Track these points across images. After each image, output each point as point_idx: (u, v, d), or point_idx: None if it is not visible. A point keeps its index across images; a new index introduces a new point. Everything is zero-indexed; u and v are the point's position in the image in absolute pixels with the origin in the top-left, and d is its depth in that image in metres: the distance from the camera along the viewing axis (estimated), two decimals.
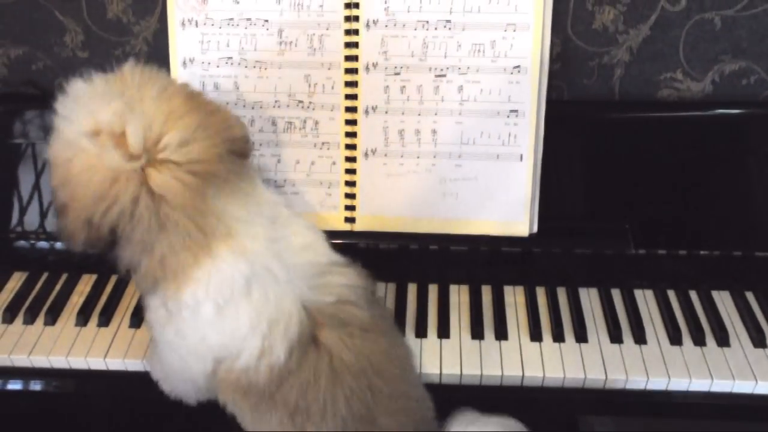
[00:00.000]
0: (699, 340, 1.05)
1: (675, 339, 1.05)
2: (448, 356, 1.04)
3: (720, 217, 1.11)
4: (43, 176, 1.19)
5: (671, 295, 1.12)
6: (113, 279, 1.19)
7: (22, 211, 1.20)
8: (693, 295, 1.12)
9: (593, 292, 1.13)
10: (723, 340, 1.04)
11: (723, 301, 1.11)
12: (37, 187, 1.19)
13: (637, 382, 1.00)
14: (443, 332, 1.07)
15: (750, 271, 1.11)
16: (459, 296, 1.14)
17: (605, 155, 1.12)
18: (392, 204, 1.12)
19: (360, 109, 1.10)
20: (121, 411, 1.19)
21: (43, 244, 1.21)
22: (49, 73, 1.21)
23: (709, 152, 1.11)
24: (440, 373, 1.02)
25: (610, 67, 1.13)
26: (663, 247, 1.10)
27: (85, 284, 1.19)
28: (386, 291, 1.15)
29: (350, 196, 1.12)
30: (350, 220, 1.13)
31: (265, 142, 1.12)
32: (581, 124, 1.12)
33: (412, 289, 1.15)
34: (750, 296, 1.12)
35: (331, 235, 1.12)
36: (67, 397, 1.12)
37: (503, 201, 1.10)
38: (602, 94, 1.15)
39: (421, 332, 1.08)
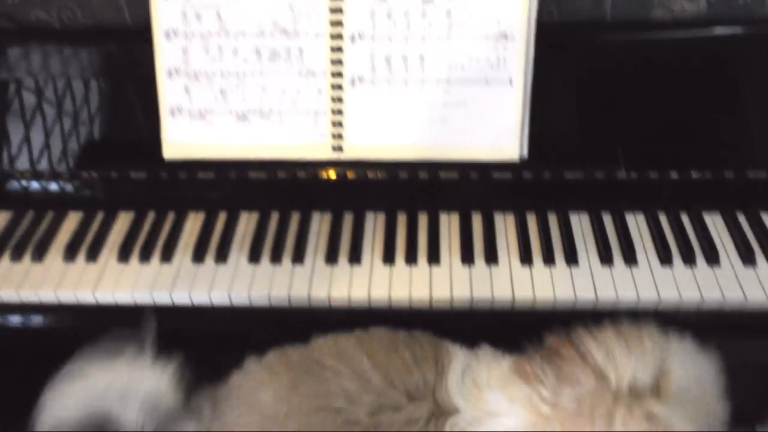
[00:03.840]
0: (689, 259, 1.04)
1: (665, 259, 1.05)
2: (439, 282, 1.04)
3: (713, 138, 1.10)
4: (27, 113, 1.17)
5: (662, 217, 1.12)
6: (100, 215, 1.18)
7: (7, 149, 1.18)
8: (684, 217, 1.12)
9: (584, 217, 1.13)
10: (712, 258, 1.04)
11: (714, 222, 1.11)
12: (24, 124, 1.17)
13: (627, 301, 1.00)
14: (433, 258, 1.07)
15: (741, 192, 1.11)
16: (449, 224, 1.13)
17: (597, 78, 1.10)
18: (380, 132, 1.10)
19: (345, 36, 1.08)
20: None
21: (28, 182, 1.19)
22: (25, 6, 1.18)
23: (702, 73, 1.09)
24: (430, 299, 1.02)
25: None
26: (654, 169, 1.09)
27: (73, 222, 1.18)
28: (375, 220, 1.14)
29: (337, 124, 1.11)
30: (338, 148, 1.12)
31: (249, 72, 1.09)
32: (572, 47, 1.10)
33: (401, 219, 1.14)
34: (741, 217, 1.11)
35: (318, 165, 1.12)
36: (60, 333, 1.12)
37: (493, 126, 1.08)
38: (594, 15, 1.12)
39: (411, 259, 1.07)
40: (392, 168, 1.12)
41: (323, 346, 0.89)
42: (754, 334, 1.02)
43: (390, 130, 1.10)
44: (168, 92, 1.11)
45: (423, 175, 1.12)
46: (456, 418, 0.80)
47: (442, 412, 0.81)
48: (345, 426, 0.82)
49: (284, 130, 1.11)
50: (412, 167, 1.11)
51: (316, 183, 1.14)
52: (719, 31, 1.09)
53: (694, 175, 1.09)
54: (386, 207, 1.16)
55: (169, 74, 1.10)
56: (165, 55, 1.10)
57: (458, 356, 0.85)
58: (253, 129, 1.12)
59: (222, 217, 1.18)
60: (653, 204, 1.13)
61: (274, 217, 1.17)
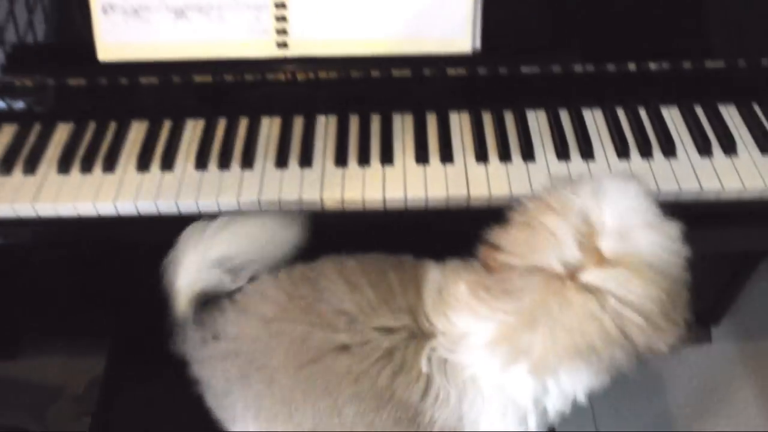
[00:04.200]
0: (646, 153, 1.03)
1: (622, 153, 1.03)
2: (392, 182, 1.01)
3: (671, 28, 1.06)
4: None
5: (620, 112, 1.09)
6: (37, 127, 1.12)
7: None
8: (642, 111, 1.09)
9: (541, 113, 1.10)
10: (669, 151, 1.03)
11: (671, 115, 1.09)
12: None
13: None
14: (387, 159, 1.04)
15: (699, 84, 1.08)
16: (403, 124, 1.09)
17: None
18: (326, 25, 1.05)
19: None
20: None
21: None
22: None
23: None
24: (384, 199, 1.00)
25: None
26: (612, 61, 1.06)
27: (8, 134, 1.12)
28: (327, 123, 1.10)
29: (281, 19, 1.05)
30: (282, 45, 1.06)
31: None
32: None
33: (354, 121, 1.10)
34: (698, 109, 1.09)
35: (265, 64, 1.07)
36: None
37: (445, 17, 1.03)
38: None
39: (363, 160, 1.04)
40: (342, 66, 1.07)
41: (328, 262, 0.88)
42: (708, 225, 1.01)
43: (336, 23, 1.05)
44: None
45: (375, 73, 1.07)
46: (434, 342, 0.78)
47: (422, 334, 0.79)
48: (324, 332, 0.81)
49: (225, 26, 1.05)
50: (363, 65, 1.06)
51: (263, 85, 1.09)
52: None
53: (652, 66, 1.06)
54: (338, 108, 1.11)
55: None
56: None
57: (434, 276, 0.83)
58: (192, 26, 1.05)
59: (167, 125, 1.12)
60: (611, 99, 1.10)
61: (222, 123, 1.12)
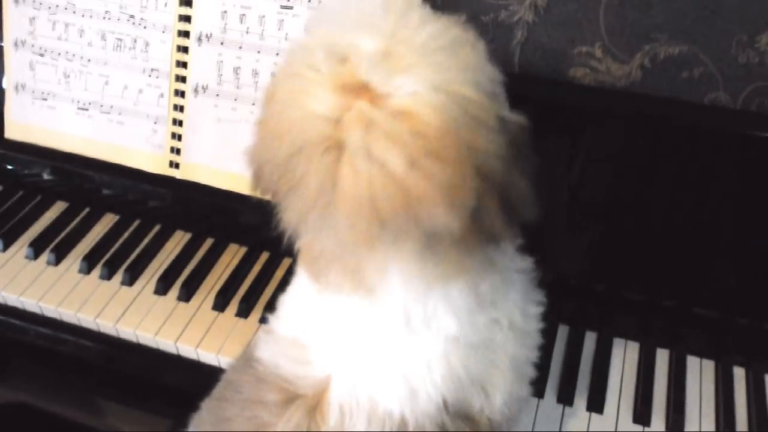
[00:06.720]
0: None
1: None
2: None
3: None
4: None
5: None
6: None
7: None
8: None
9: None
10: None
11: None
12: None
13: None
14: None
15: None
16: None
17: None
18: (221, 155, 0.94)
19: (192, 35, 0.92)
20: None
21: None
22: None
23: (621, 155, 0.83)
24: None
25: (509, 27, 0.86)
26: None
27: None
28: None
29: (177, 137, 0.96)
30: (174, 165, 0.97)
31: (93, 59, 0.97)
32: None
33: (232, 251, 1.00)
34: None
35: (154, 180, 0.98)
36: None
37: None
38: (497, 61, 0.89)
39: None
40: (234, 201, 0.96)
41: None
42: None
43: (231, 155, 0.93)
44: (14, 65, 1.01)
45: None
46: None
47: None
48: None
49: (124, 132, 0.98)
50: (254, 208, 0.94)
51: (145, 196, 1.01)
52: (653, 108, 0.82)
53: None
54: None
55: (15, 45, 1.00)
56: (12, 22, 1.00)
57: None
58: (93, 124, 0.99)
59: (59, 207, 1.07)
60: None
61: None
